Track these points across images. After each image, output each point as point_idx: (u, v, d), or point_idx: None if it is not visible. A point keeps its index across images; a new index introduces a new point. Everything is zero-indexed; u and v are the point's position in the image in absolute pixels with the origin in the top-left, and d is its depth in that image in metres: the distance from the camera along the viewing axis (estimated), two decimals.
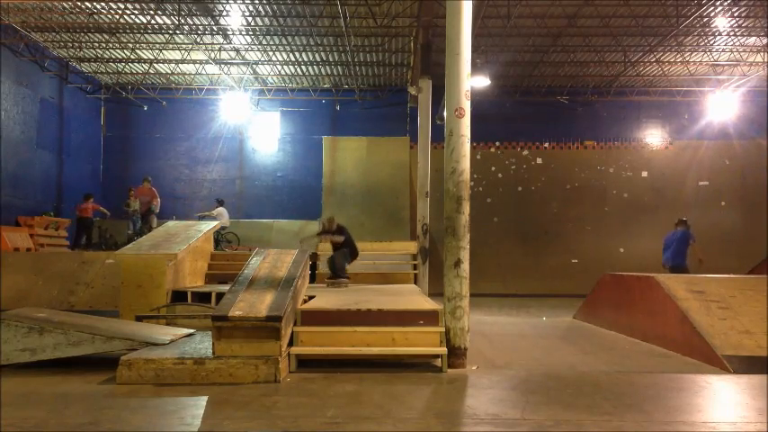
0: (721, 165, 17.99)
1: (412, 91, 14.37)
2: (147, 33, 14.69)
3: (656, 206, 17.83)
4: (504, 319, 10.66)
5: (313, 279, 10.12)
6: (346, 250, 9.82)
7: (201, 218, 15.88)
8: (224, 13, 13.62)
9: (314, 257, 11.04)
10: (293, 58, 16.29)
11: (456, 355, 5.76)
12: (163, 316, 7.66)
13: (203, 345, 5.63)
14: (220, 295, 6.61)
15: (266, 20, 13.91)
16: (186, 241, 8.96)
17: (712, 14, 13.32)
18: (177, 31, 14.42)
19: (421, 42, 13.19)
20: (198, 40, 14.88)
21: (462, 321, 5.85)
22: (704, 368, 5.84)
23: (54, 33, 14.72)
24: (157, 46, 15.38)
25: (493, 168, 18.14)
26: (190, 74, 17.41)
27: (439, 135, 9.38)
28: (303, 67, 16.87)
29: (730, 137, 17.84)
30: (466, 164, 6.02)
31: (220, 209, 16.23)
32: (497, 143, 18.25)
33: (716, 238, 17.53)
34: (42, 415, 4.16)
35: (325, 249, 11.94)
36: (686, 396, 4.93)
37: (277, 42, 15.20)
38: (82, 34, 14.77)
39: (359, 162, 17.90)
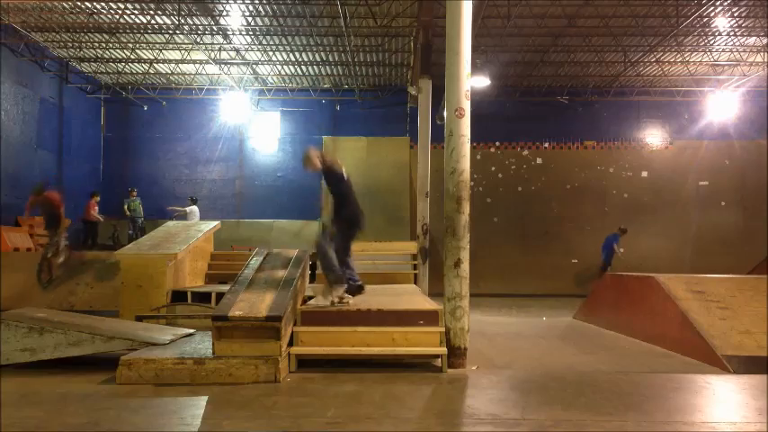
0: (721, 165, 17.99)
1: (412, 91, 14.37)
2: (147, 33, 14.70)
3: (656, 206, 17.85)
4: (504, 319, 10.66)
5: (313, 279, 10.10)
6: (338, 221, 6.44)
7: (174, 213, 15.96)
8: (224, 13, 13.62)
9: (314, 257, 11.02)
10: (293, 58, 16.29)
11: (456, 355, 5.76)
12: (163, 316, 7.66)
13: (203, 345, 5.62)
14: (220, 295, 6.61)
15: (266, 20, 13.91)
16: (186, 241, 8.96)
17: (712, 14, 13.32)
18: (177, 31, 14.42)
19: (421, 42, 13.19)
20: (198, 40, 14.88)
21: (462, 321, 5.84)
22: (704, 368, 5.84)
23: (54, 33, 14.72)
24: (157, 46, 15.39)
25: (493, 168, 18.15)
26: (190, 74, 17.41)
27: (439, 135, 9.37)
28: (303, 67, 16.87)
29: (730, 137, 17.84)
30: (466, 164, 6.01)
31: (193, 207, 16.23)
32: (497, 143, 18.25)
33: (716, 238, 17.57)
34: (42, 415, 4.16)
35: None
36: (686, 396, 4.93)
37: (277, 42, 15.20)
38: (82, 34, 14.77)
39: (359, 162, 17.88)
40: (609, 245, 16.10)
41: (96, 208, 15.55)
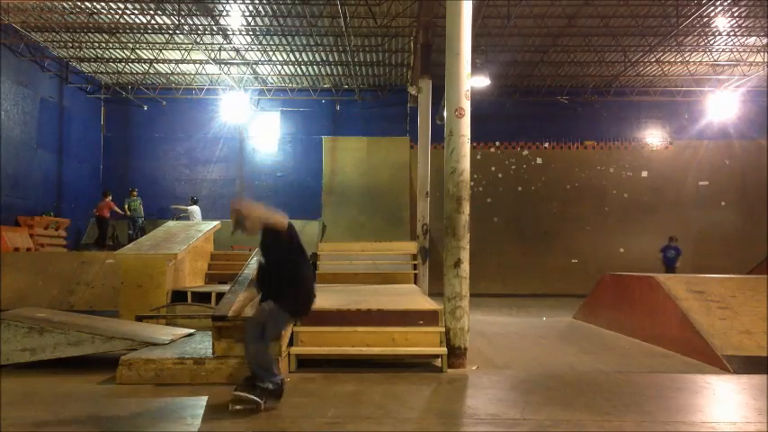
0: (721, 165, 17.99)
1: (412, 91, 14.37)
2: (147, 33, 14.69)
3: (656, 206, 17.85)
4: (504, 319, 10.66)
5: (313, 279, 10.07)
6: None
7: (176, 210, 16.10)
8: (224, 13, 13.62)
9: (314, 257, 11.00)
10: (293, 58, 16.29)
11: (456, 355, 5.76)
12: (163, 316, 7.65)
13: (203, 345, 5.62)
14: (220, 295, 6.61)
15: (266, 20, 13.91)
16: (186, 241, 8.95)
17: (712, 14, 13.32)
18: (177, 31, 14.42)
19: (421, 42, 13.19)
20: (198, 40, 14.88)
21: (462, 321, 5.85)
22: (704, 368, 5.84)
23: (54, 33, 14.72)
24: (157, 46, 15.38)
25: (493, 168, 18.15)
26: (190, 74, 17.41)
27: (439, 135, 9.38)
28: (303, 67, 16.86)
29: (730, 137, 17.85)
30: (466, 164, 6.01)
31: (194, 207, 16.32)
32: (497, 143, 18.25)
33: (716, 238, 17.57)
34: (42, 415, 4.16)
35: (325, 248, 11.77)
36: (686, 396, 4.93)
37: (277, 42, 15.20)
38: (82, 34, 14.77)
39: (359, 162, 17.90)
40: (668, 258, 15.57)
41: (109, 206, 15.75)
